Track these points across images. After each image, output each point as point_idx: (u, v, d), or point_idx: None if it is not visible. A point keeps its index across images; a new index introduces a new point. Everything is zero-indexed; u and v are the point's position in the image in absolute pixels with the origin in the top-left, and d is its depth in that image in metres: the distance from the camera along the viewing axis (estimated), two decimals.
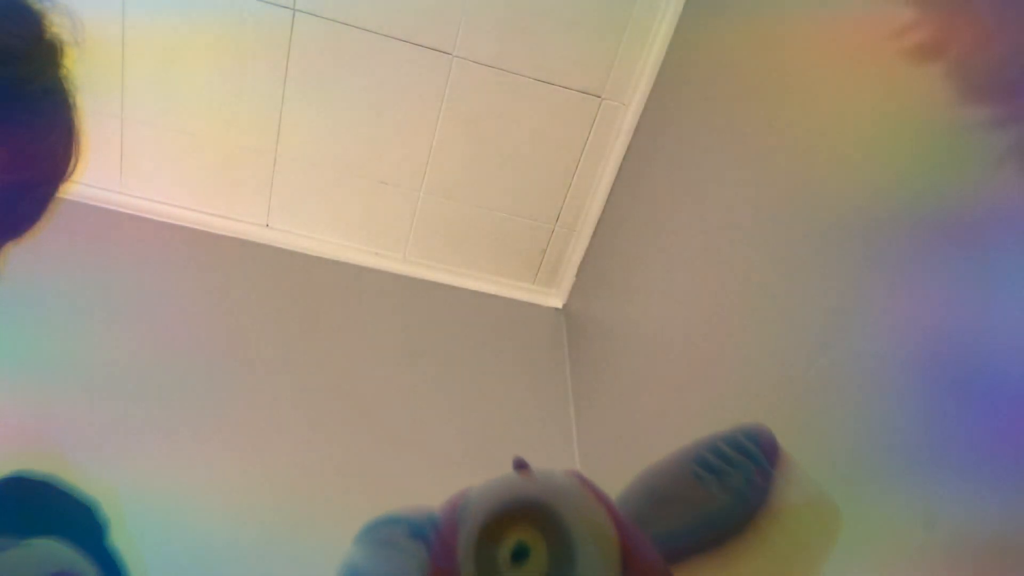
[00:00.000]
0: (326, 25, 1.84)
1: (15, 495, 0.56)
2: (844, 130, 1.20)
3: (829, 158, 1.23)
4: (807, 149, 1.30)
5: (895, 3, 1.08)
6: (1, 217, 0.57)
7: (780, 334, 1.27)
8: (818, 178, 1.26)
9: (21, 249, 0.60)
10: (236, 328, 1.89)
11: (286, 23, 1.84)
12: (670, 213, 1.75)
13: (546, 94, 1.94)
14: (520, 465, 0.66)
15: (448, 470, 1.66)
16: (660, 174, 1.84)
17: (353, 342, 1.97)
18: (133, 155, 1.97)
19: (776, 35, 1.42)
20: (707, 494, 0.68)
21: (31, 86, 0.57)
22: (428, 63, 1.89)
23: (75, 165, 0.60)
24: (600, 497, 0.62)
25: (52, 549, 0.53)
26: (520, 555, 0.56)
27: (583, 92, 1.95)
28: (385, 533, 0.62)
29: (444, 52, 1.89)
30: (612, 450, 1.72)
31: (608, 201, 2.04)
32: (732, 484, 0.67)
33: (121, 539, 0.62)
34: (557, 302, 2.21)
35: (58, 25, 0.59)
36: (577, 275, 2.16)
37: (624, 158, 1.98)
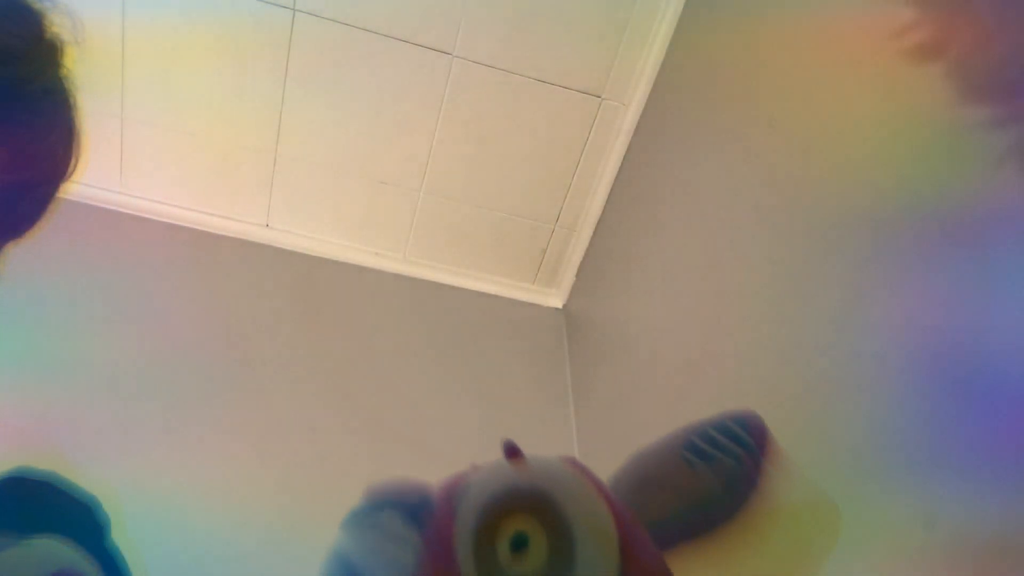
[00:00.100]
0: (326, 25, 1.84)
1: (16, 493, 0.56)
2: (844, 130, 1.20)
3: (829, 158, 1.23)
4: (807, 149, 1.30)
5: (895, 3, 1.08)
6: (1, 217, 0.57)
7: (780, 334, 1.27)
8: (818, 178, 1.26)
9: (21, 249, 0.60)
10: (236, 328, 1.89)
11: (286, 23, 1.84)
12: (670, 213, 1.75)
13: (546, 94, 1.94)
14: (511, 449, 0.65)
15: (448, 470, 1.66)
16: (660, 174, 1.84)
17: (353, 342, 1.97)
18: (133, 155, 1.97)
19: (776, 35, 1.42)
20: (697, 480, 0.68)
21: (31, 86, 0.57)
22: (428, 63, 1.89)
23: (75, 165, 0.60)
24: (596, 483, 0.62)
25: (52, 548, 0.53)
26: (519, 545, 0.55)
27: (583, 92, 1.95)
28: (377, 519, 0.61)
29: (444, 52, 1.89)
30: (612, 450, 1.72)
31: (608, 201, 2.04)
32: (722, 470, 0.68)
33: (121, 539, 0.62)
34: (557, 302, 2.21)
35: (58, 25, 0.59)
36: (577, 275, 2.16)
37: (624, 158, 1.98)
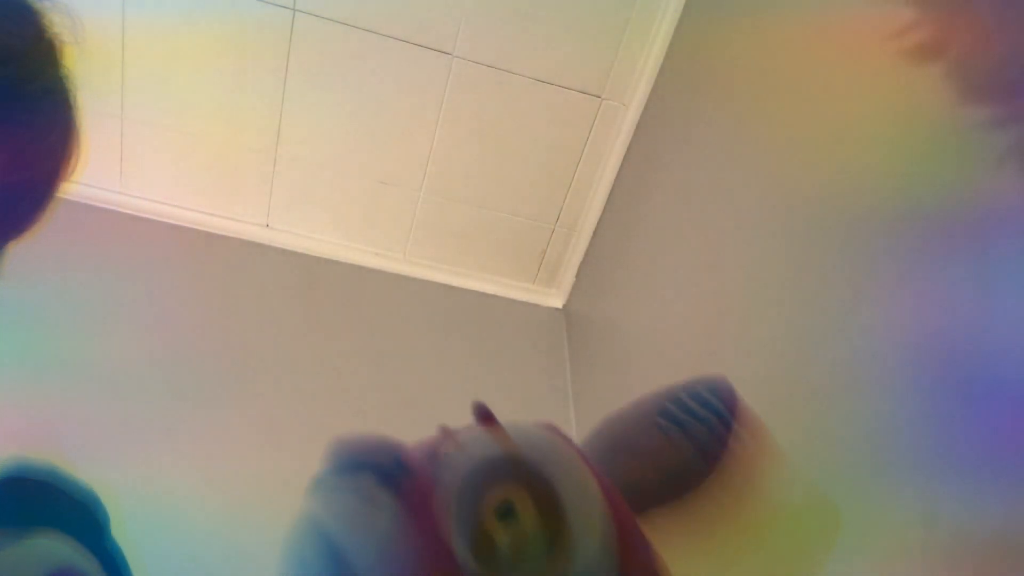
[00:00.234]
0: (326, 25, 1.84)
1: (15, 488, 0.56)
2: (844, 130, 1.20)
3: (829, 158, 1.23)
4: (807, 149, 1.30)
5: (895, 3, 1.08)
6: (1, 217, 0.57)
7: (780, 334, 1.27)
8: (818, 178, 1.26)
9: (21, 249, 0.60)
10: (236, 328, 1.89)
11: (286, 23, 1.84)
12: (670, 213, 1.75)
13: (546, 94, 1.94)
14: (483, 413, 0.65)
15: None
16: (660, 174, 1.83)
17: (353, 342, 1.97)
18: (133, 155, 1.97)
19: (776, 35, 1.42)
20: (671, 446, 0.68)
21: (31, 86, 0.57)
22: (428, 63, 1.89)
23: (75, 165, 0.60)
24: (577, 450, 0.62)
25: (52, 547, 0.53)
26: (507, 514, 0.54)
27: (583, 92, 1.95)
28: (350, 482, 0.59)
29: (444, 52, 1.89)
30: None
31: (608, 201, 2.04)
32: (695, 436, 0.68)
33: (121, 538, 0.62)
34: (557, 302, 2.21)
35: (58, 25, 0.59)
36: (577, 275, 2.16)
37: (624, 158, 1.98)
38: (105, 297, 1.80)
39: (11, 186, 0.56)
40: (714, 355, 1.44)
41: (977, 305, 0.91)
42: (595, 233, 2.08)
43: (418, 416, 1.92)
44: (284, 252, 2.08)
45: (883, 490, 0.97)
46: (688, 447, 0.68)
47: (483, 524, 0.54)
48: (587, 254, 2.12)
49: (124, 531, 0.62)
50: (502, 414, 0.61)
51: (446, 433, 0.64)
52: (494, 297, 2.18)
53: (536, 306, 2.21)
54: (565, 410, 1.98)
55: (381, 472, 0.59)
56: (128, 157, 1.97)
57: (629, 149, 1.97)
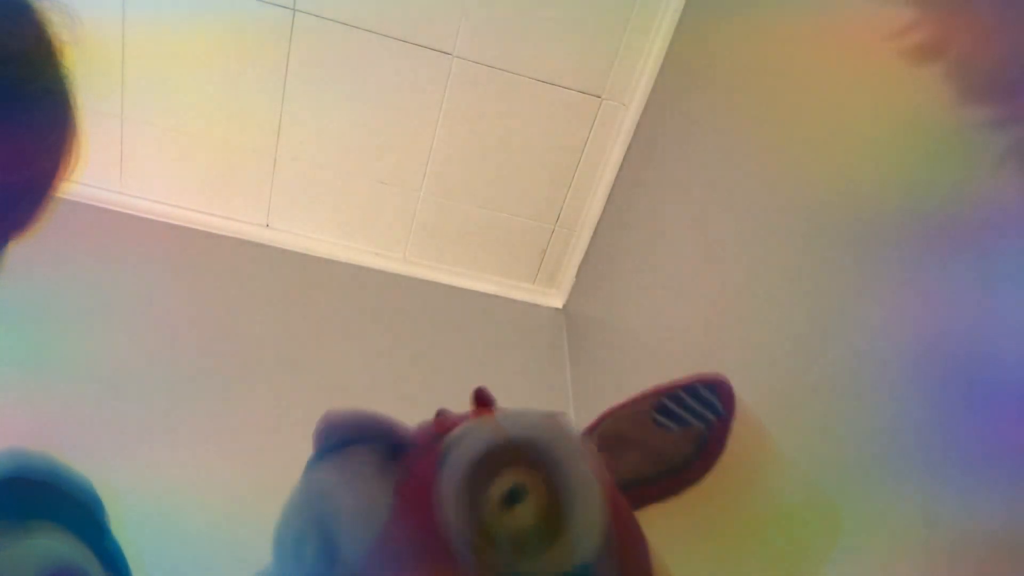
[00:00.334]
0: (326, 25, 1.84)
1: (13, 480, 0.56)
2: (844, 130, 1.20)
3: (828, 158, 1.23)
4: (807, 149, 1.30)
5: (895, 3, 1.08)
6: (0, 216, 0.57)
7: (780, 334, 1.27)
8: (818, 178, 1.26)
9: (21, 248, 0.60)
10: (236, 328, 1.89)
11: (286, 23, 1.84)
12: (670, 213, 1.75)
13: (546, 94, 1.94)
14: (484, 399, 0.64)
15: None
16: (660, 174, 1.83)
17: (353, 342, 1.97)
18: (133, 155, 1.97)
19: (776, 35, 1.42)
20: (667, 440, 0.67)
21: (31, 86, 0.57)
22: (428, 63, 1.89)
23: (75, 164, 0.60)
24: (581, 441, 0.61)
25: (49, 545, 0.53)
26: (513, 499, 0.53)
27: (583, 92, 1.95)
28: (345, 456, 0.58)
29: (444, 52, 1.89)
30: None
31: (608, 201, 2.04)
32: (693, 433, 0.67)
33: (120, 538, 0.62)
34: (557, 302, 2.21)
35: (58, 25, 0.59)
36: (577, 275, 2.16)
37: (624, 158, 1.98)
38: (105, 297, 1.80)
39: (10, 185, 0.56)
40: (714, 355, 1.44)
41: (977, 305, 0.91)
42: (595, 233, 2.08)
43: (418, 416, 1.91)
44: (284, 252, 2.08)
45: (883, 490, 0.97)
46: (685, 443, 0.68)
47: (490, 506, 0.53)
48: (587, 254, 2.12)
49: (123, 530, 0.62)
50: None
51: (448, 416, 0.63)
52: (494, 297, 2.18)
53: (536, 306, 2.21)
54: (565, 410, 1.98)
55: (376, 449, 0.58)
56: (128, 157, 1.97)
57: (629, 149, 1.97)
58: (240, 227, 2.07)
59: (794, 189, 1.32)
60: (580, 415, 1.95)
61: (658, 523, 0.65)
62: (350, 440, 0.60)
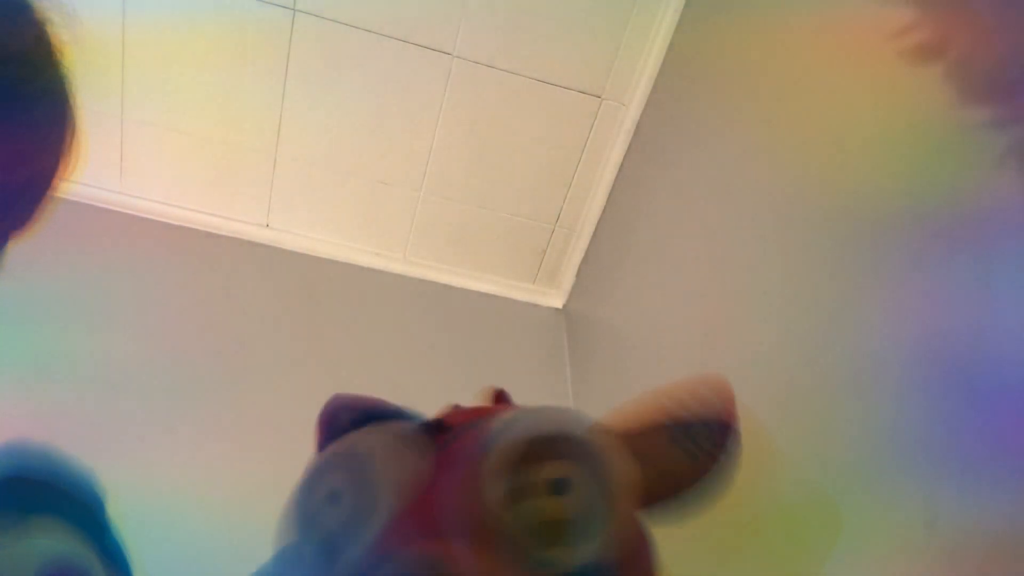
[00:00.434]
0: (326, 25, 1.84)
1: (13, 473, 0.56)
2: (844, 130, 1.20)
3: (829, 158, 1.23)
4: (807, 149, 1.30)
5: (895, 3, 1.08)
6: (0, 216, 0.57)
7: (780, 333, 1.27)
8: (818, 178, 1.26)
9: (21, 248, 0.60)
10: (236, 328, 1.89)
11: (286, 23, 1.84)
12: (670, 213, 1.75)
13: (546, 94, 1.94)
14: (502, 399, 0.65)
15: None
16: (660, 174, 1.83)
17: (353, 342, 1.97)
18: (133, 155, 1.97)
19: (776, 35, 1.42)
20: (679, 460, 0.67)
21: (31, 86, 0.57)
22: (428, 63, 1.89)
23: (74, 164, 0.60)
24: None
25: (51, 545, 0.53)
26: (559, 488, 0.54)
27: (583, 92, 1.95)
28: (391, 428, 0.59)
29: (444, 52, 1.88)
30: None
31: (608, 201, 2.04)
32: (703, 465, 0.67)
33: (120, 537, 0.62)
34: (557, 302, 2.21)
35: (58, 25, 0.59)
36: (577, 275, 2.16)
37: (624, 158, 1.98)
38: (105, 297, 1.80)
39: (10, 185, 0.56)
40: (714, 355, 1.44)
41: (977, 305, 0.91)
42: (595, 233, 2.08)
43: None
44: (284, 252, 2.08)
45: (883, 490, 0.97)
46: (694, 474, 0.68)
47: (535, 491, 0.54)
48: (587, 254, 2.12)
49: (123, 530, 0.62)
50: None
51: (488, 406, 0.64)
52: (494, 297, 2.18)
53: (536, 306, 2.21)
54: None
55: (412, 425, 0.59)
56: (128, 157, 1.97)
57: (629, 149, 1.97)
58: (240, 227, 2.07)
59: (794, 189, 1.32)
60: None
61: (658, 523, 0.65)
62: (378, 414, 0.61)
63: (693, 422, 0.69)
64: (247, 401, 1.77)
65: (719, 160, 1.58)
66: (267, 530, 0.63)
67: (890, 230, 1.07)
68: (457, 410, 0.64)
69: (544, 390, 2.02)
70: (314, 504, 0.58)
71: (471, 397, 0.68)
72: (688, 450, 0.67)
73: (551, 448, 0.56)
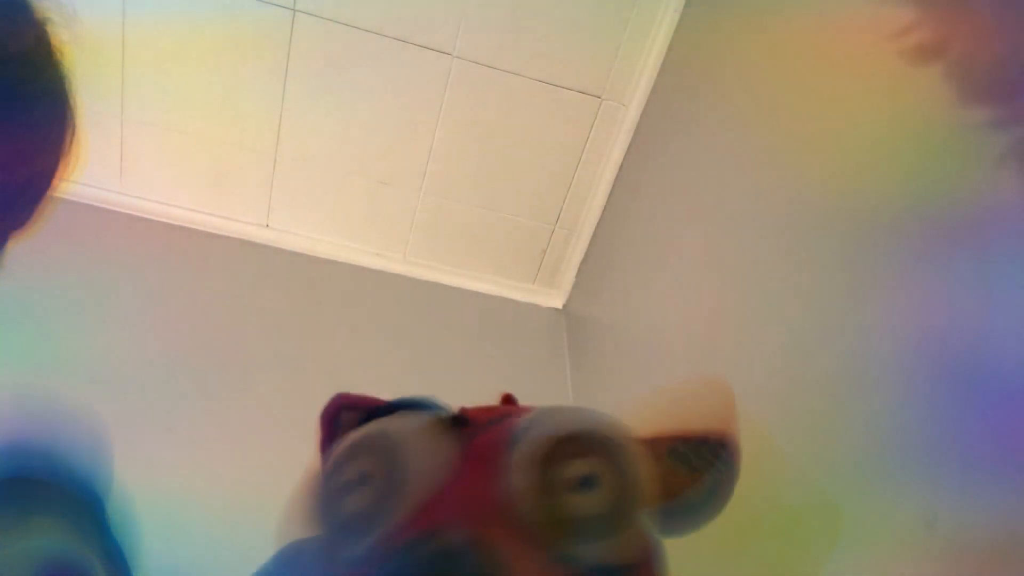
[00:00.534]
0: (326, 25, 1.84)
1: (12, 471, 0.56)
2: (843, 130, 1.20)
3: (828, 158, 1.23)
4: (806, 149, 1.30)
5: (895, 3, 1.08)
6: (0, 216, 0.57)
7: (780, 334, 1.27)
8: (817, 178, 1.26)
9: (21, 248, 0.60)
10: (236, 328, 1.89)
11: (286, 23, 1.84)
12: (670, 213, 1.75)
13: (546, 94, 1.94)
14: (509, 401, 0.65)
15: None
16: (660, 174, 1.83)
17: (353, 342, 1.97)
18: (133, 155, 1.97)
19: (776, 35, 1.42)
20: (683, 480, 0.68)
21: (31, 86, 0.57)
22: (428, 63, 1.89)
23: (75, 164, 0.60)
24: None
25: (50, 545, 0.53)
26: (587, 484, 0.55)
27: (583, 92, 1.95)
28: (418, 417, 0.60)
29: (444, 52, 1.89)
30: None
31: (608, 201, 2.04)
32: (705, 483, 0.67)
33: (119, 537, 0.62)
34: (557, 302, 2.21)
35: (58, 25, 0.59)
36: (577, 275, 2.16)
37: (624, 158, 1.98)
38: (105, 297, 1.80)
39: (10, 184, 0.56)
40: (714, 355, 1.44)
41: (977, 305, 0.91)
42: (595, 233, 2.08)
43: None
44: (284, 252, 2.08)
45: (883, 490, 0.97)
46: (698, 490, 0.68)
47: (562, 486, 0.54)
48: (587, 254, 2.12)
49: (123, 530, 0.62)
50: None
51: (505, 408, 0.64)
52: (494, 297, 2.18)
53: (536, 306, 2.21)
54: None
55: (442, 414, 0.60)
56: (128, 157, 1.97)
57: (629, 149, 1.97)
58: (240, 227, 2.07)
59: (794, 189, 1.32)
60: None
61: (658, 523, 0.65)
62: (380, 413, 0.62)
63: (691, 437, 0.69)
64: (247, 401, 1.77)
65: (719, 160, 1.58)
66: (267, 529, 0.63)
67: (890, 230, 1.07)
68: (477, 407, 0.65)
69: (544, 390, 2.02)
70: (338, 487, 0.59)
71: (471, 397, 0.68)
72: (687, 464, 0.67)
73: (579, 445, 0.56)
